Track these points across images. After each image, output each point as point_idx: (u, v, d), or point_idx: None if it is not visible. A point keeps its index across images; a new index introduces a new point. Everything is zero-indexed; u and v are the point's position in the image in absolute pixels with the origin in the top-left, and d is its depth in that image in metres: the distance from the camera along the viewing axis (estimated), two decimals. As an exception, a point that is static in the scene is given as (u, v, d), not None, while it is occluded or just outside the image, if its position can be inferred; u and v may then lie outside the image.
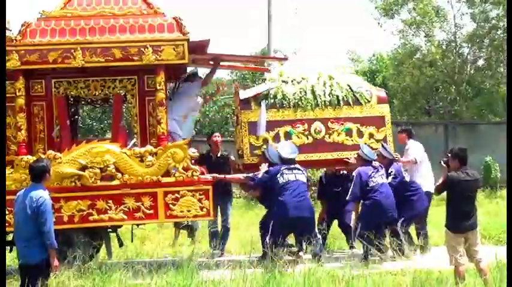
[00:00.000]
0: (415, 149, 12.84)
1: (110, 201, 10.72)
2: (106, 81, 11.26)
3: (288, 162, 11.53)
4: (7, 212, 10.02)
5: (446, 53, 32.05)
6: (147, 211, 10.78)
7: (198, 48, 11.50)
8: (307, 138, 12.00)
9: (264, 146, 11.79)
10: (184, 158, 10.87)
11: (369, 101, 12.31)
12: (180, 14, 11.10)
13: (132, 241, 12.39)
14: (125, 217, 10.78)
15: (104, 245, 11.52)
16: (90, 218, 10.71)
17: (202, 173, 11.14)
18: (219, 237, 12.64)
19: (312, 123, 12.05)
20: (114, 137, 11.35)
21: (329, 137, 12.06)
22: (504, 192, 21.55)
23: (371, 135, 12.19)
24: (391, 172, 12.04)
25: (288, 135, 11.94)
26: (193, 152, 11.09)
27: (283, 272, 9.40)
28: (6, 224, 9.94)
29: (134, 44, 10.85)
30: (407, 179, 12.24)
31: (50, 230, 8.46)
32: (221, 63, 12.88)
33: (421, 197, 12.25)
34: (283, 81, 12.25)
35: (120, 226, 11.61)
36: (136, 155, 10.82)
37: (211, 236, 12.69)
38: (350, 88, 12.29)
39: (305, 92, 12.12)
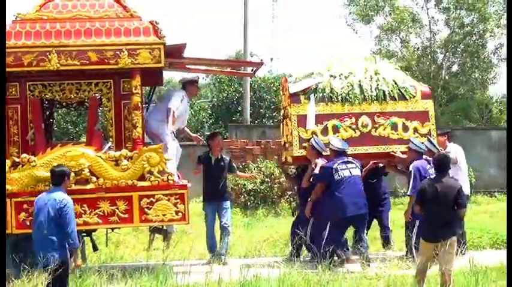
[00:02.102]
0: (456, 151, 12.98)
1: (85, 205, 10.62)
2: (81, 84, 11.15)
3: (340, 154, 11.67)
4: None
5: (421, 59, 32.25)
6: (122, 215, 10.71)
7: (174, 52, 11.46)
8: (355, 132, 12.10)
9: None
10: (160, 162, 10.83)
11: (414, 96, 12.42)
12: (156, 18, 11.10)
13: (106, 245, 12.35)
14: (100, 221, 10.70)
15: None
16: (65, 222, 10.62)
17: (178, 177, 11.11)
18: (220, 240, 12.65)
19: (359, 117, 12.16)
20: (89, 141, 11.29)
21: (375, 131, 12.17)
22: (479, 197, 21.77)
23: (415, 130, 12.29)
24: None
25: (335, 129, 12.05)
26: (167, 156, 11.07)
27: (258, 276, 9.39)
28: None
29: (110, 48, 10.79)
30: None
31: (73, 230, 8.87)
32: (197, 67, 12.85)
33: None
34: (331, 76, 12.36)
35: (94, 230, 11.54)
36: (111, 159, 10.76)
37: (210, 246, 12.67)
38: (395, 83, 12.42)
39: (352, 86, 12.24)
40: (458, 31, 32.54)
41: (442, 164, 9.45)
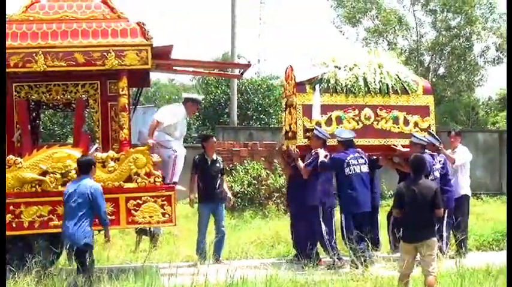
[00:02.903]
0: (462, 152, 13.28)
1: (71, 207, 10.58)
2: (68, 85, 11.13)
3: (349, 145, 11.81)
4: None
5: (408, 61, 32.35)
6: (109, 217, 10.64)
7: (161, 54, 11.43)
8: (358, 123, 12.27)
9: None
10: (147, 163, 10.80)
11: (416, 91, 12.68)
12: (143, 19, 11.06)
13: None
14: (86, 222, 10.65)
15: (64, 251, 11.40)
16: (51, 223, 10.57)
17: (164, 179, 11.08)
18: (213, 244, 12.60)
19: (362, 109, 12.34)
20: (76, 142, 11.24)
21: (377, 124, 12.37)
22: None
23: (416, 124, 12.55)
24: (440, 160, 12.31)
25: (339, 120, 12.19)
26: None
27: (245, 278, 9.38)
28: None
29: (97, 49, 10.75)
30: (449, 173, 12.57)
31: (105, 211, 9.84)
32: (185, 68, 12.83)
33: (451, 196, 12.41)
34: (336, 67, 12.46)
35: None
36: (98, 161, 10.71)
37: (199, 244, 12.61)
38: (398, 77, 12.62)
39: (357, 78, 12.37)
40: (445, 33, 32.64)
41: (418, 165, 9.46)
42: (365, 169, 11.81)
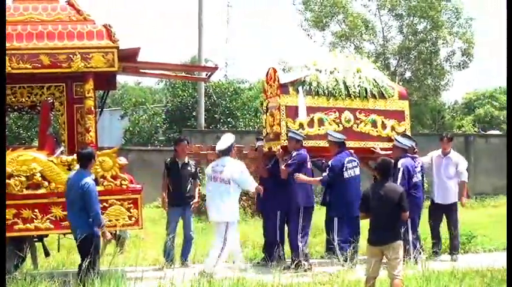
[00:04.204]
0: (463, 163, 13.58)
1: (36, 210, 10.48)
2: (33, 88, 11.03)
3: (342, 146, 12.00)
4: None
5: (375, 65, 32.58)
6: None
7: (128, 56, 11.37)
8: (338, 126, 12.42)
9: (300, 130, 12.06)
10: (113, 166, 10.74)
11: (392, 96, 12.94)
12: (110, 22, 11.00)
13: (58, 251, 12.19)
14: (52, 226, 10.57)
15: (29, 255, 11.30)
16: (16, 227, 10.46)
17: (131, 182, 11.02)
18: (179, 248, 12.61)
19: (343, 112, 12.50)
20: (41, 145, 11.14)
21: (357, 127, 12.58)
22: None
23: (393, 128, 12.77)
24: (419, 163, 12.60)
25: (321, 122, 12.32)
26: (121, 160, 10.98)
27: (211, 281, 9.37)
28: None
29: (63, 51, 10.66)
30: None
31: (96, 212, 9.72)
32: (151, 71, 12.79)
33: (416, 203, 12.50)
34: (317, 70, 12.59)
35: (46, 236, 11.39)
36: (63, 164, 10.63)
37: (166, 248, 12.48)
38: (376, 82, 12.84)
39: (337, 81, 12.53)
40: (412, 38, 32.91)
41: (385, 169, 9.48)
42: (358, 171, 12.05)
